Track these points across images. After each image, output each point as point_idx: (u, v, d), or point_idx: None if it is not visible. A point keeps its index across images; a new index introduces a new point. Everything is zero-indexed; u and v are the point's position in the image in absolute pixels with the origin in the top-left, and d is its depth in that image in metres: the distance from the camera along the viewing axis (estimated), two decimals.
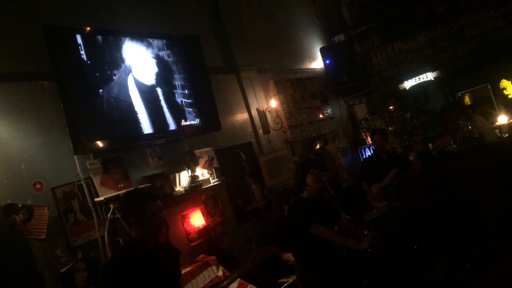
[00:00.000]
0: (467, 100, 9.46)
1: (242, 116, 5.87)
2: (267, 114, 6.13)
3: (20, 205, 3.42)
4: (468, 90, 9.41)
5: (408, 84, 7.89)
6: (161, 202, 2.66)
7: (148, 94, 4.35)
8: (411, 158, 6.70)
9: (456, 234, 5.90)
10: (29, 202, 3.49)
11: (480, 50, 6.57)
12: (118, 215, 3.66)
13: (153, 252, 2.57)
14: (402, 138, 7.80)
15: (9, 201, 3.38)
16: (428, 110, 9.03)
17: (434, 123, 8.06)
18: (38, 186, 3.58)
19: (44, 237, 3.49)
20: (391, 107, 8.60)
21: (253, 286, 4.09)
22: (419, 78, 7.65)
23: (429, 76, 7.59)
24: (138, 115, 4.19)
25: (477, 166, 5.93)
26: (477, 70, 8.49)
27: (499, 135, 6.46)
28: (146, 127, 4.25)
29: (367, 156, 7.60)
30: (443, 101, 9.32)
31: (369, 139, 7.47)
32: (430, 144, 6.55)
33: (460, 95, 9.48)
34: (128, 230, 2.64)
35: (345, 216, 4.93)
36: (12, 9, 3.79)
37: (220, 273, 4.16)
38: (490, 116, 7.33)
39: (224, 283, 3.13)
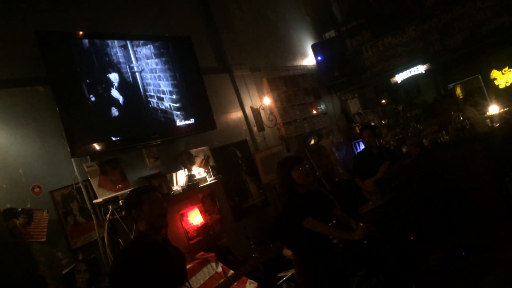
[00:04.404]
0: (458, 91, 9.57)
1: (236, 115, 5.93)
2: (261, 111, 6.19)
3: (19, 209, 3.46)
4: (459, 82, 9.52)
5: (399, 77, 7.98)
6: None
7: (142, 96, 4.40)
8: (404, 150, 6.78)
9: (450, 224, 5.97)
10: (29, 206, 3.53)
11: (468, 42, 6.65)
12: (117, 216, 3.72)
13: (161, 245, 2.62)
14: (395, 131, 7.88)
15: (8, 206, 3.42)
16: (420, 103, 9.13)
17: (426, 115, 8.15)
18: (37, 190, 3.62)
19: (44, 240, 3.53)
20: (383, 101, 8.68)
21: (252, 281, 4.15)
22: (410, 72, 7.73)
23: (420, 69, 7.67)
24: (133, 117, 4.24)
25: (469, 156, 6.00)
26: (467, 62, 8.59)
27: (490, 125, 6.54)
28: (141, 128, 4.29)
29: (359, 151, 7.68)
30: (435, 93, 9.42)
31: None
32: (424, 141, 6.65)
33: (451, 86, 9.59)
34: (135, 225, 2.68)
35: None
36: (5, 15, 3.82)
37: (220, 269, 4.22)
38: (481, 107, 7.42)
39: (229, 281, 3.16)
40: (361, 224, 3.51)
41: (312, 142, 6.87)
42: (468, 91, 9.26)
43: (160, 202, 2.65)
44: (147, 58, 4.54)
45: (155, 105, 4.53)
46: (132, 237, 3.79)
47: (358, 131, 7.86)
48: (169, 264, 2.59)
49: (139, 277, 2.42)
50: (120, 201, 3.80)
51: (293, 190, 3.58)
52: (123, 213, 3.78)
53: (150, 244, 2.58)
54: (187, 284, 2.70)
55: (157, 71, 4.63)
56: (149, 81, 4.50)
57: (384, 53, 7.46)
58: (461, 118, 6.62)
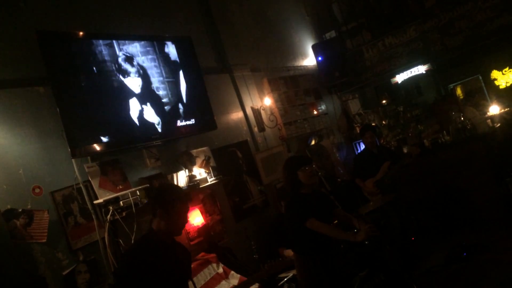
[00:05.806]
0: (459, 92, 9.53)
1: (237, 115, 5.92)
2: (262, 112, 6.19)
3: (20, 210, 3.46)
4: (459, 82, 9.48)
5: (400, 78, 7.96)
6: None
7: (143, 96, 4.38)
8: (405, 150, 6.78)
9: (451, 224, 5.97)
10: (29, 206, 3.53)
11: (469, 42, 6.65)
12: (118, 217, 3.71)
13: (170, 247, 2.61)
14: (396, 131, 7.87)
15: (9, 207, 3.41)
16: (420, 103, 9.11)
17: (427, 116, 8.14)
18: (37, 190, 3.62)
19: (45, 240, 3.53)
20: (384, 101, 8.68)
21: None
22: (411, 72, 7.72)
23: (421, 69, 7.66)
24: (134, 118, 4.23)
25: (470, 157, 5.99)
26: (468, 62, 8.57)
27: (490, 125, 6.53)
28: (142, 129, 4.28)
29: (359, 151, 7.67)
30: (435, 94, 9.40)
31: None
32: (425, 141, 6.64)
33: (452, 87, 9.56)
34: (152, 220, 2.64)
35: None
36: (5, 15, 3.82)
37: (221, 270, 4.22)
38: (482, 107, 7.41)
39: None
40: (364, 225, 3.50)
41: (313, 142, 6.88)
42: (469, 92, 9.23)
43: (187, 214, 2.66)
44: (144, 56, 4.53)
45: (159, 103, 4.52)
46: (133, 238, 3.79)
47: (358, 132, 7.86)
48: (176, 266, 2.57)
49: (145, 278, 2.41)
50: (121, 202, 3.80)
51: (297, 190, 3.57)
52: (124, 213, 3.78)
53: (159, 245, 2.56)
54: (191, 283, 2.70)
55: (156, 70, 4.61)
56: (150, 82, 4.49)
57: (384, 53, 7.46)
58: (462, 118, 6.61)
